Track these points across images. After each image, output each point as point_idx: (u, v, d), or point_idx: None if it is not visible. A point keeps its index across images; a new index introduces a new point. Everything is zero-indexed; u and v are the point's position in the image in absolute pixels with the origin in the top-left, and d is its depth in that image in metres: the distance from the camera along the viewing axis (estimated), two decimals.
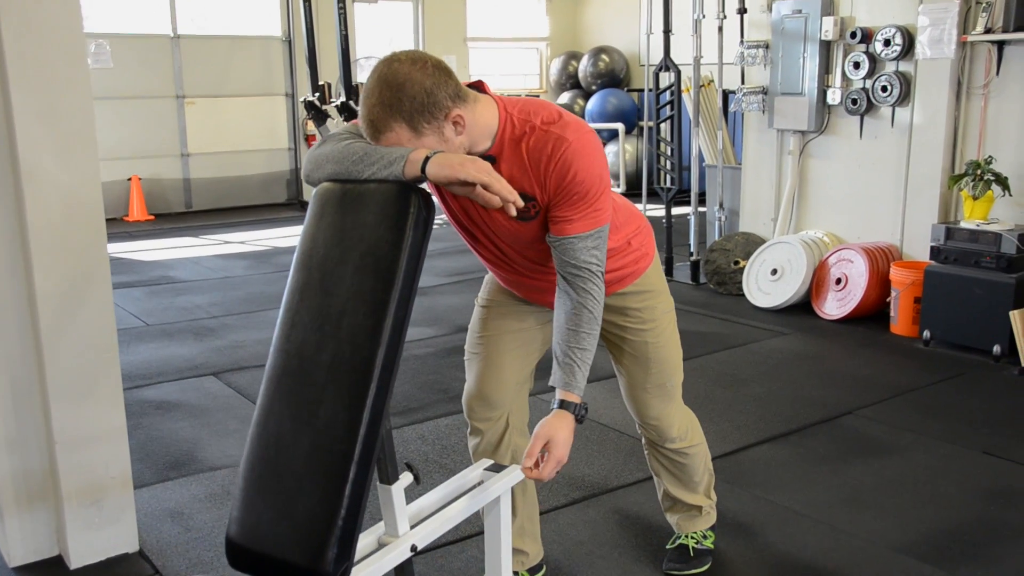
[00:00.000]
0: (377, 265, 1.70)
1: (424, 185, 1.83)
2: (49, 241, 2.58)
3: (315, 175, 1.87)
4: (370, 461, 1.67)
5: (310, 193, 9.20)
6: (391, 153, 1.77)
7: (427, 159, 1.74)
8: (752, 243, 6.13)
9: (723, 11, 6.33)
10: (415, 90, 1.77)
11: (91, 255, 2.66)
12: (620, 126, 10.26)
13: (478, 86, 2.00)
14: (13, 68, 2.43)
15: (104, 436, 2.77)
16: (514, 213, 1.83)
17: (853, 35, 5.37)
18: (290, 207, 10.24)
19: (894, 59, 5.25)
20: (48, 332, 2.62)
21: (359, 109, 1.84)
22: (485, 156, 1.94)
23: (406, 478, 1.94)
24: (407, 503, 1.96)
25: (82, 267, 2.64)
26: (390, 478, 1.87)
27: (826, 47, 5.60)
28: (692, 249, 6.58)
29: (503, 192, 1.78)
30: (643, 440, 2.67)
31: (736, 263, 6.12)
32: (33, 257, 2.57)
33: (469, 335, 2.49)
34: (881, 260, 5.28)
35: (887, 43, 5.23)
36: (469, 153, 1.91)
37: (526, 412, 2.53)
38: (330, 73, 9.79)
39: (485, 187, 1.78)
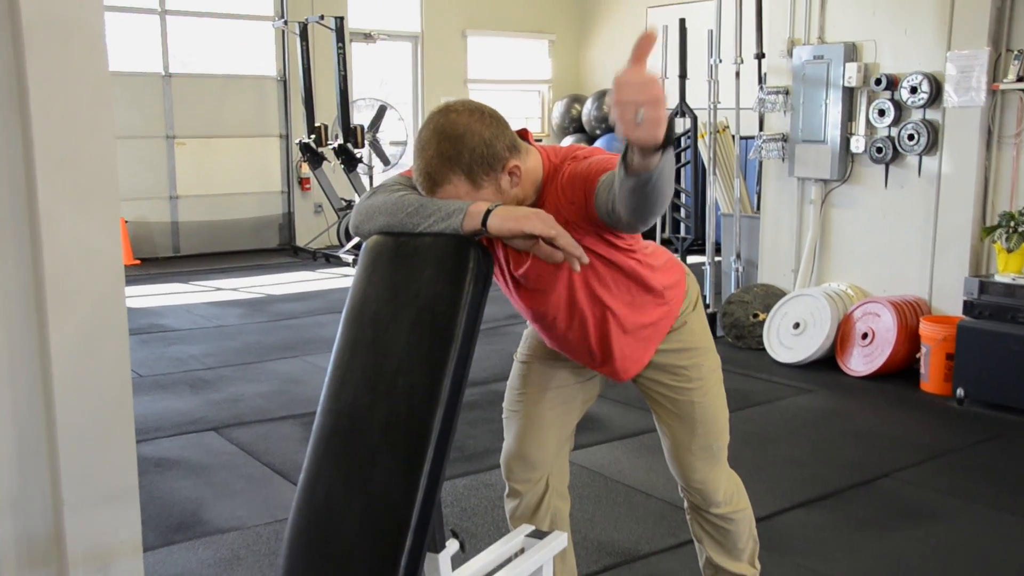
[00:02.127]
0: (434, 322, 1.71)
1: None
2: (65, 290, 2.57)
3: (365, 227, 1.88)
4: (427, 529, 1.66)
5: (303, 238, 9.17)
6: (448, 206, 1.79)
7: (488, 212, 1.75)
8: (772, 295, 6.16)
9: (740, 56, 6.42)
10: (475, 141, 1.79)
11: (108, 305, 2.65)
12: None
13: (522, 135, 2.03)
14: (37, 113, 2.45)
15: (114, 497, 2.74)
16: (578, 269, 1.84)
17: (878, 82, 5.45)
18: (282, 252, 10.26)
19: (921, 107, 5.33)
20: (61, 386, 2.60)
21: (413, 161, 1.85)
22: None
23: (452, 545, 1.93)
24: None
25: (99, 317, 2.64)
26: (438, 546, 1.86)
27: (849, 94, 5.68)
28: (708, 301, 6.60)
29: (568, 247, 1.80)
30: (685, 504, 2.65)
31: (755, 316, 6.14)
32: (48, 307, 2.56)
33: (508, 392, 2.48)
34: (910, 314, 5.31)
35: (913, 90, 5.31)
36: (521, 204, 1.93)
37: (566, 474, 2.52)
38: (326, 114, 9.88)
39: (550, 241, 1.79)
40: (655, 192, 1.65)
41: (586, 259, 1.84)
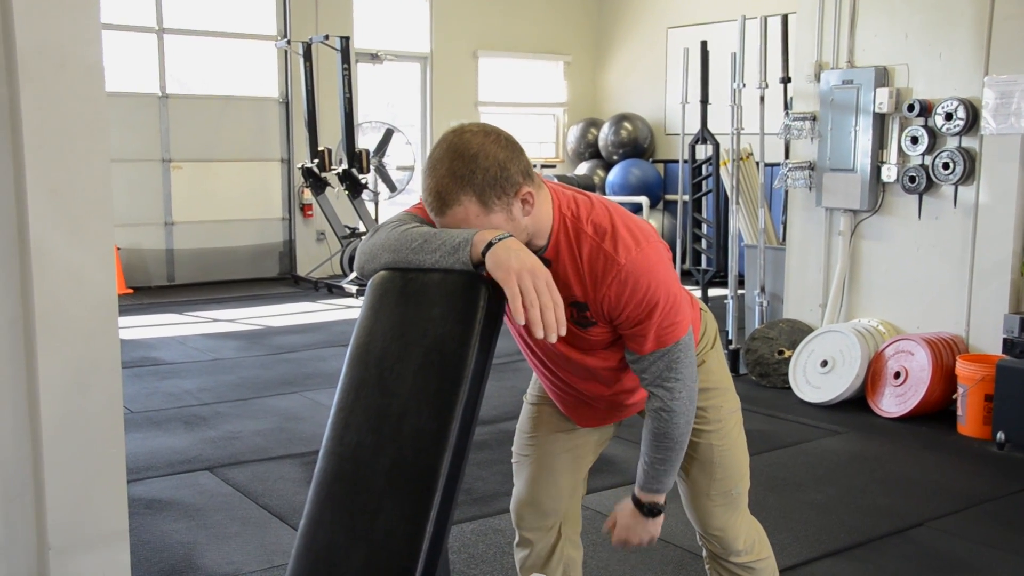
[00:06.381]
0: (443, 362, 1.73)
1: None
2: (56, 325, 2.60)
3: (370, 267, 1.90)
4: None
5: (304, 267, 9.16)
6: (453, 238, 1.80)
7: (491, 244, 1.76)
8: (798, 331, 6.16)
9: (765, 80, 6.46)
10: (488, 162, 1.81)
11: (101, 340, 2.67)
12: (644, 199, 10.39)
13: None
14: (30, 140, 2.49)
15: (103, 540, 2.75)
16: (554, 339, 1.80)
17: (910, 108, 5.48)
18: (283, 282, 10.31)
19: (956, 134, 5.34)
20: (49, 423, 2.63)
21: (423, 181, 1.88)
22: (542, 259, 1.94)
23: None
24: None
25: (91, 353, 2.66)
26: None
27: (880, 120, 5.71)
28: (731, 336, 6.61)
29: (548, 324, 1.77)
30: (704, 552, 2.65)
31: (781, 353, 6.14)
32: (38, 343, 2.59)
33: (517, 435, 2.50)
34: (945, 353, 5.30)
35: (948, 117, 5.33)
36: (529, 244, 1.94)
37: (579, 521, 2.53)
38: (331, 138, 9.96)
39: (526, 307, 1.76)
40: None
41: (564, 331, 1.80)
